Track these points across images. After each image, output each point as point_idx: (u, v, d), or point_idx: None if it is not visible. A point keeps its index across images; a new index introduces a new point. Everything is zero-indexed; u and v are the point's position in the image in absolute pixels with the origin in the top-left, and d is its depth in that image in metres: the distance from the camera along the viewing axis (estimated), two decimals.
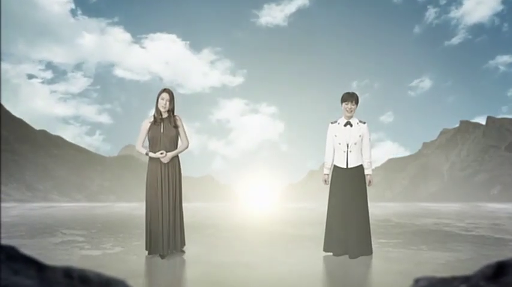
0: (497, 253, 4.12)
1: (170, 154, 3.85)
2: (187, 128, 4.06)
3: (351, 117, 4.00)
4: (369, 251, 3.86)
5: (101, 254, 4.02)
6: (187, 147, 4.00)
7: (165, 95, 3.88)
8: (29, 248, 4.36)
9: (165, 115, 3.91)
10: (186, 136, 3.99)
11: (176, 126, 3.91)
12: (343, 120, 4.02)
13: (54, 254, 4.06)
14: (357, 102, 3.98)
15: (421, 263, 3.56)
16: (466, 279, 1.40)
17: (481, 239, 5.06)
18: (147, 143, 3.98)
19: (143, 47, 39.75)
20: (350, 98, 3.97)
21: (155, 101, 3.91)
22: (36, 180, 23.57)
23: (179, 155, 3.99)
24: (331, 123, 4.09)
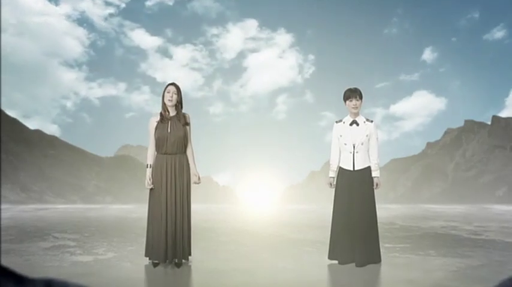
0: (511, 259, 3.93)
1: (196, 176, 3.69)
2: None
3: (356, 115, 3.77)
4: (377, 259, 3.63)
5: (92, 260, 3.83)
6: (192, 152, 3.74)
7: (171, 88, 3.65)
8: (17, 253, 4.20)
9: (172, 112, 3.66)
10: (190, 139, 3.72)
11: (186, 124, 3.66)
12: (349, 119, 3.79)
13: (43, 260, 3.88)
14: (361, 97, 3.75)
15: (431, 271, 3.38)
16: None
17: (491, 244, 4.87)
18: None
19: None
20: (353, 94, 3.73)
21: (161, 98, 3.68)
22: (31, 181, 23.31)
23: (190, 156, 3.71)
24: (336, 122, 3.87)
